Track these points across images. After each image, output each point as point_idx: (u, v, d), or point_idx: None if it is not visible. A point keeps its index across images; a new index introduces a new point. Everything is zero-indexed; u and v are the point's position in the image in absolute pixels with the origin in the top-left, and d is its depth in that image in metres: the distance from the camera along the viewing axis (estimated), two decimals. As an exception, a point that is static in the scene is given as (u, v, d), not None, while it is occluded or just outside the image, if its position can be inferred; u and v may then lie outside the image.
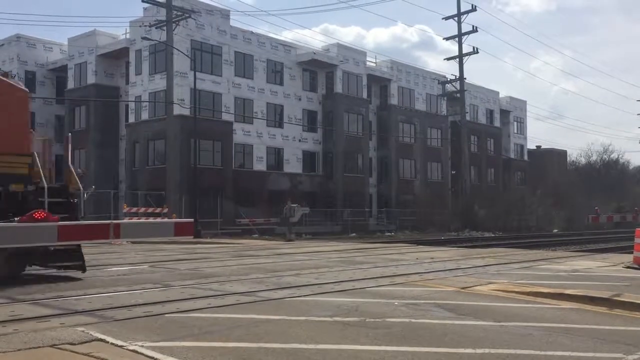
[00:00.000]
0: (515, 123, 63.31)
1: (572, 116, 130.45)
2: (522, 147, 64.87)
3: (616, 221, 43.28)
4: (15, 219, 9.44)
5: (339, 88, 42.88)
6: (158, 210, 27.46)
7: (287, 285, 9.45)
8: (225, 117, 37.15)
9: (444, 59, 44.98)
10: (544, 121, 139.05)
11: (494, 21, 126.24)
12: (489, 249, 19.15)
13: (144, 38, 31.28)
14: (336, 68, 43.09)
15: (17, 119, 10.11)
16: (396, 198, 46.93)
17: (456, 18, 38.27)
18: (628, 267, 12.51)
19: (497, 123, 59.69)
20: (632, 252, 13.33)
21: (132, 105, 37.92)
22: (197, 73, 32.12)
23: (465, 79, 40.43)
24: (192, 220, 11.67)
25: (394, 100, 47.91)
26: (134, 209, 28.31)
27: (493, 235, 36.11)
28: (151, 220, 11.33)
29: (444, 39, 40.96)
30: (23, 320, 6.39)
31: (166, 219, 11.49)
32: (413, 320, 6.60)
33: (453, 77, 41.24)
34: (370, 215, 45.18)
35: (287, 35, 55.76)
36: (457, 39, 38.72)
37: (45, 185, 10.01)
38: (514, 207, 45.11)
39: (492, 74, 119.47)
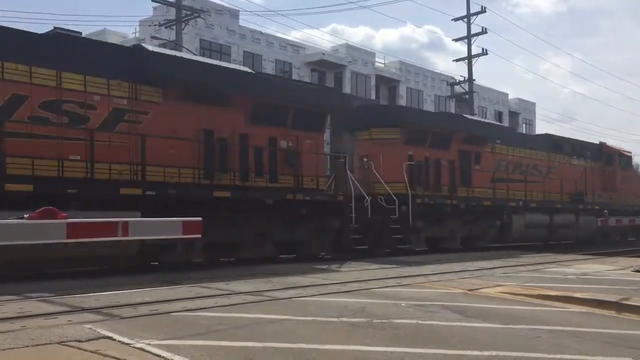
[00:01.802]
0: (524, 125, 63.03)
1: (581, 119, 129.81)
2: (530, 149, 64.59)
3: (625, 224, 42.83)
4: (25, 215, 9.48)
5: (347, 89, 42.81)
6: None
7: (294, 285, 9.45)
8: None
9: (453, 60, 44.80)
10: (554, 123, 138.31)
11: (504, 22, 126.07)
12: (496, 251, 19.04)
13: (153, 37, 31.37)
14: (345, 69, 43.05)
15: None
16: (404, 199, 46.85)
17: (465, 19, 38.15)
18: (637, 271, 12.44)
19: (505, 125, 59.45)
20: (641, 256, 13.24)
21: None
22: (206, 73, 32.14)
23: (474, 80, 40.23)
24: (200, 219, 11.58)
25: (402, 102, 47.79)
26: None
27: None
28: (159, 219, 11.29)
29: (453, 40, 40.79)
30: (31, 317, 6.42)
31: (175, 218, 11.43)
32: (420, 322, 6.58)
33: (462, 79, 41.05)
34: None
35: (295, 35, 55.90)
36: (466, 40, 38.57)
37: None
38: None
39: (501, 75, 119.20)
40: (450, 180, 19.34)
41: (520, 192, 22.22)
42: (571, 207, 24.59)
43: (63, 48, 11.42)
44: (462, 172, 19.82)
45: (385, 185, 16.98)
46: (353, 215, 15.51)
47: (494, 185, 20.87)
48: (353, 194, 15.75)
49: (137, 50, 13.00)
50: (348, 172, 16.00)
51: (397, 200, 16.71)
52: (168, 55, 13.63)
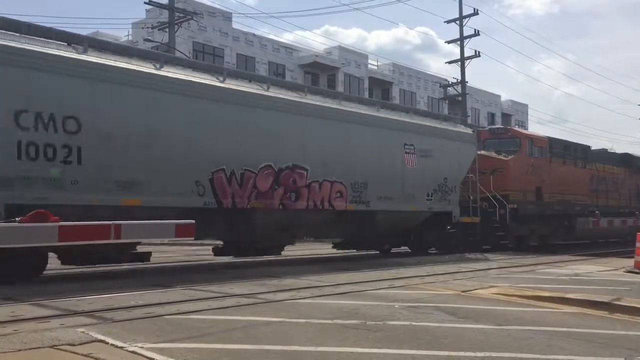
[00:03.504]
0: (516, 127, 63.27)
1: (573, 120, 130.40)
2: (523, 150, 64.75)
3: (617, 225, 43.04)
4: (17, 218, 9.44)
5: (340, 90, 42.85)
6: None
7: (288, 287, 9.44)
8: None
9: (446, 62, 44.92)
10: (546, 125, 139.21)
11: (496, 24, 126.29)
12: (490, 253, 19.11)
13: (146, 40, 31.30)
14: (338, 71, 43.08)
15: None
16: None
17: (458, 21, 38.26)
18: (629, 272, 12.50)
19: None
20: (633, 257, 13.32)
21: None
22: (199, 75, 32.06)
23: (467, 82, 40.36)
24: (192, 222, 11.61)
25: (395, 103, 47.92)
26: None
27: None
28: (152, 221, 11.29)
29: (445, 42, 40.95)
30: (23, 320, 6.38)
31: (168, 221, 11.45)
32: (413, 324, 6.59)
33: (455, 80, 41.19)
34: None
35: (288, 37, 55.90)
36: (459, 42, 38.69)
37: None
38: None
39: (494, 77, 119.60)
40: None
41: None
42: None
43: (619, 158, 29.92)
44: None
45: None
46: None
47: None
48: None
49: (627, 155, 30.53)
50: None
51: None
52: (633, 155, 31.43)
